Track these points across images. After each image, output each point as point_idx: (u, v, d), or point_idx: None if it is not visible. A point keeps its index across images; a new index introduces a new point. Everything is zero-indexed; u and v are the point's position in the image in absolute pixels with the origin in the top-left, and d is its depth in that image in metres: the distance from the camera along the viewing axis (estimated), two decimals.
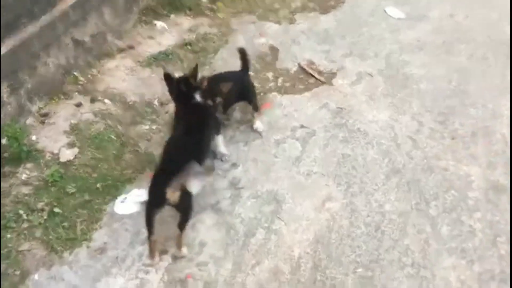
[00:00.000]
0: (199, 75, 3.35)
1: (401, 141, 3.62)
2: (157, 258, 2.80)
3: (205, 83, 3.29)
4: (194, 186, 2.66)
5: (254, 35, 4.94)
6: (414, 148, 3.56)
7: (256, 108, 3.75)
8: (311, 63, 4.50)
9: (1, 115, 3.54)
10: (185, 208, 2.77)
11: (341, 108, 3.93)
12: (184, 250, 2.84)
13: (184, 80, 3.25)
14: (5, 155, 3.48)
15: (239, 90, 3.59)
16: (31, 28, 3.69)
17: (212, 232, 2.98)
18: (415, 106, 3.95)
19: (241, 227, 3.01)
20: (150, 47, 4.73)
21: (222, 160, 3.48)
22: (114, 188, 3.27)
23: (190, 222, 3.01)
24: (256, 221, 3.05)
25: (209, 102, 3.29)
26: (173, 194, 2.63)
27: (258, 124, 3.76)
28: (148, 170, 3.38)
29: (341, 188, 3.26)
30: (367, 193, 3.21)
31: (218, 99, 3.38)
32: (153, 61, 4.51)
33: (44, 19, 3.81)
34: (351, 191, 3.23)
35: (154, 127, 3.81)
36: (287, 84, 4.24)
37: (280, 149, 3.57)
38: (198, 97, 3.20)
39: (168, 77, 3.30)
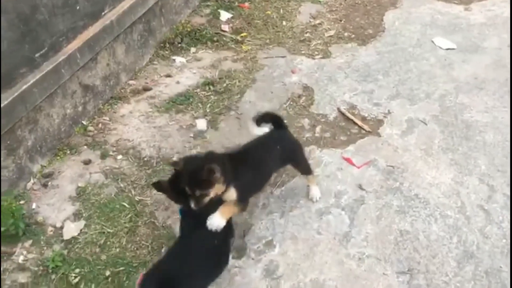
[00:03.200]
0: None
1: (471, 212, 2.99)
2: None
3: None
4: None
5: (285, 72, 4.36)
6: (488, 222, 2.92)
7: (307, 171, 3.09)
8: (352, 107, 3.90)
9: None
10: None
11: (393, 167, 3.32)
12: None
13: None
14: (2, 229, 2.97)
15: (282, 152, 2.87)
16: (31, 78, 3.17)
17: None
18: (483, 164, 3.32)
19: None
20: (168, 88, 4.20)
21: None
22: (127, 277, 2.71)
23: None
24: None
25: None
26: None
27: (315, 192, 3.11)
28: (163, 252, 2.83)
29: (403, 280, 2.64)
30: None
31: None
32: (171, 105, 3.96)
33: (46, 66, 3.29)
34: (416, 284, 2.61)
35: None
36: (327, 135, 3.64)
37: (323, 223, 2.98)
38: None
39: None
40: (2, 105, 2.94)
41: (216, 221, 2.42)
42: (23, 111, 3.12)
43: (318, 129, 3.70)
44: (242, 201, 2.55)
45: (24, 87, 3.11)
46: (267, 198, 3.15)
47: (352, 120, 3.74)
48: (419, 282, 2.62)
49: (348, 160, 3.37)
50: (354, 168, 3.32)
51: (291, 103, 3.98)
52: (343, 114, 3.81)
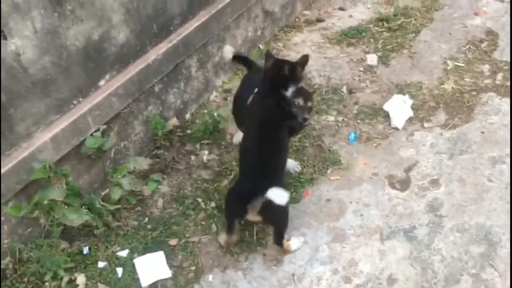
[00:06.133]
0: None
1: None
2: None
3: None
4: (280, 200, 2.35)
5: (467, 13, 4.09)
6: None
7: None
8: None
9: (189, 89, 3.44)
10: (276, 220, 2.53)
11: None
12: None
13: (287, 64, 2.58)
14: (188, 132, 3.40)
15: None
16: None
17: (404, 266, 2.51)
18: None
19: (441, 268, 2.47)
20: (341, 21, 4.24)
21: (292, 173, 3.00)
22: (294, 189, 2.96)
23: (378, 248, 2.59)
24: (460, 264, 2.48)
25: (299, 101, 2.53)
26: (254, 215, 2.44)
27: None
28: (329, 172, 3.01)
29: None
30: None
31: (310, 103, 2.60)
32: (343, 38, 4.01)
33: None
34: None
35: (340, 119, 3.38)
36: (509, 83, 3.41)
37: (496, 171, 2.88)
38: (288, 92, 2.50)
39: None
40: (199, 23, 3.27)
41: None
42: (216, 28, 3.44)
43: (499, 76, 3.47)
44: None
45: (220, 6, 3.40)
46: (436, 138, 3.12)
47: None
48: None
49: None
50: None
51: (471, 47, 3.76)
52: None
